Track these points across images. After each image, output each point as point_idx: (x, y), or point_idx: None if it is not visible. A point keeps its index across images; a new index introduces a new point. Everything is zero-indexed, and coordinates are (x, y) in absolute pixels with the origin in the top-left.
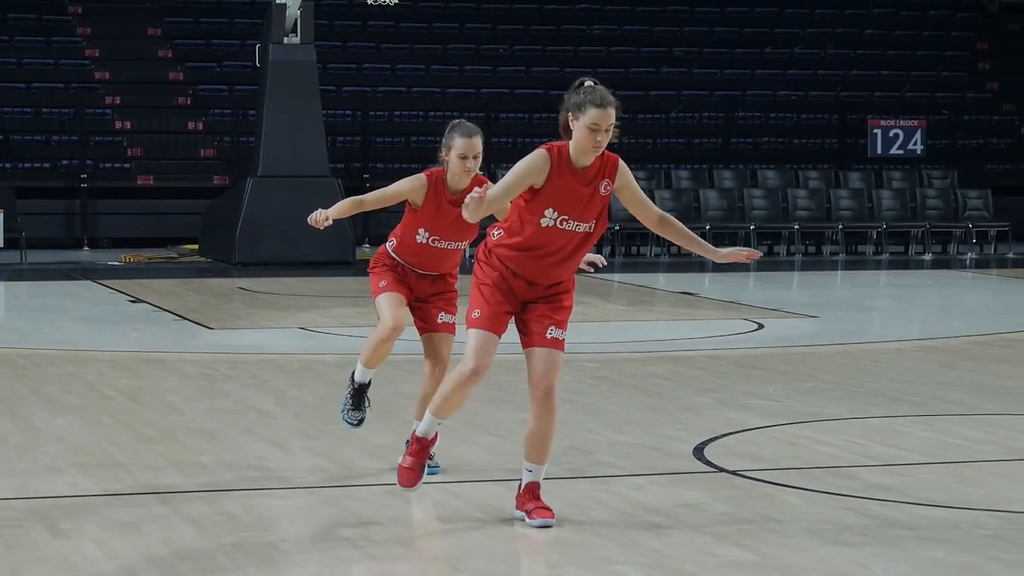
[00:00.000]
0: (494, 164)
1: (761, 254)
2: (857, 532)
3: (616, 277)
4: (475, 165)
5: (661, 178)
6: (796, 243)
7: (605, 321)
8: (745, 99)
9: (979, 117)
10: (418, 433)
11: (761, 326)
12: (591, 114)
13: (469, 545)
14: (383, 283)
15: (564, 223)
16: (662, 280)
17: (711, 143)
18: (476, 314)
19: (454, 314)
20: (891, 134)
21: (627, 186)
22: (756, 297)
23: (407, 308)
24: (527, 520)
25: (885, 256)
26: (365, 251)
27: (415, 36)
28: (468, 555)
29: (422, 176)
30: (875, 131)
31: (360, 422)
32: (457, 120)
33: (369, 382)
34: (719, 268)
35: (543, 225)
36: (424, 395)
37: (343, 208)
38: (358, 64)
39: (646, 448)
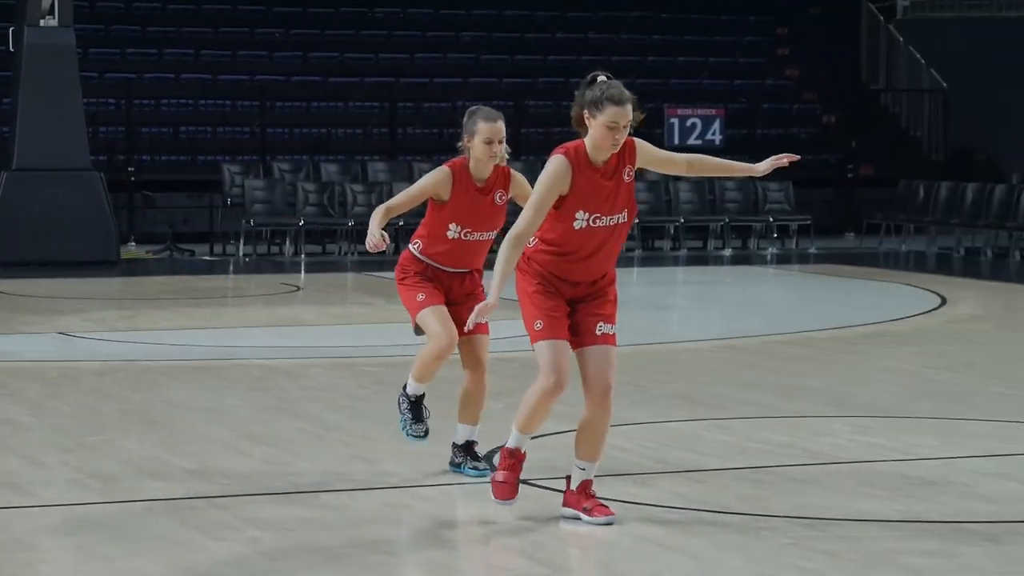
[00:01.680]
0: (268, 156)
1: (798, 157)
2: (653, 542)
3: None
4: (500, 150)
5: None
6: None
7: (388, 323)
8: (536, 86)
9: (779, 105)
10: (509, 446)
11: None
12: (610, 112)
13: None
14: (421, 296)
15: (597, 221)
16: None
17: None
18: (538, 325)
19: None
20: (689, 123)
21: (650, 157)
22: None
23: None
24: (586, 519)
25: (683, 252)
26: (131, 249)
27: (183, 18)
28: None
29: (445, 168)
30: (672, 120)
31: (426, 433)
32: (475, 106)
33: (423, 393)
34: None
35: (576, 228)
36: (466, 397)
37: (378, 220)
38: (121, 48)
39: (434, 457)
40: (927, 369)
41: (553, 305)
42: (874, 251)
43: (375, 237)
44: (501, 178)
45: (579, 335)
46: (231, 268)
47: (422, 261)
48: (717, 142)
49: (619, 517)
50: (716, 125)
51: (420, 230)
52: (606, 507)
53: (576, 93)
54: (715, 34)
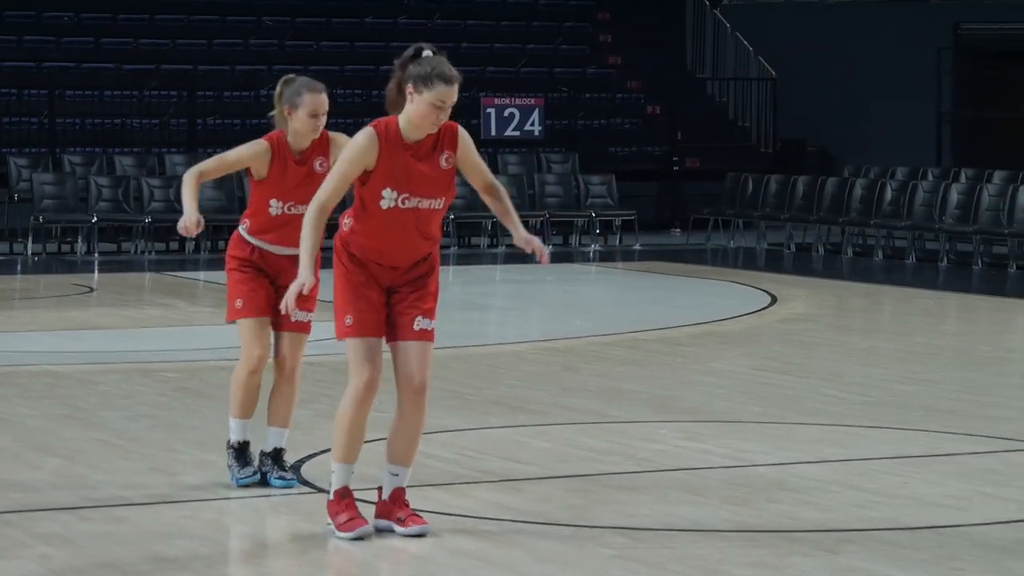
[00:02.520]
0: (58, 148)
1: (548, 259)
2: (470, 555)
3: (201, 276)
4: (322, 123)
5: None
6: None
7: (189, 325)
8: (344, 74)
9: (601, 95)
10: (337, 487)
11: None
12: (439, 91)
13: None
14: (239, 303)
15: (406, 201)
16: None
17: None
18: (348, 320)
19: (311, 311)
20: (506, 113)
21: (467, 154)
22: None
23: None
24: (399, 529)
25: (501, 249)
26: None
27: None
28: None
29: (263, 141)
30: (489, 110)
31: (256, 472)
32: (292, 75)
33: (246, 441)
34: None
35: (384, 207)
36: (273, 396)
37: (191, 190)
38: None
39: None
40: (757, 371)
41: (367, 302)
42: (701, 248)
43: (190, 218)
44: (320, 145)
45: (395, 328)
46: (19, 268)
47: (249, 243)
48: (536, 133)
49: (434, 528)
50: (535, 116)
51: (247, 209)
52: (420, 517)
53: (396, 63)
54: (533, 20)
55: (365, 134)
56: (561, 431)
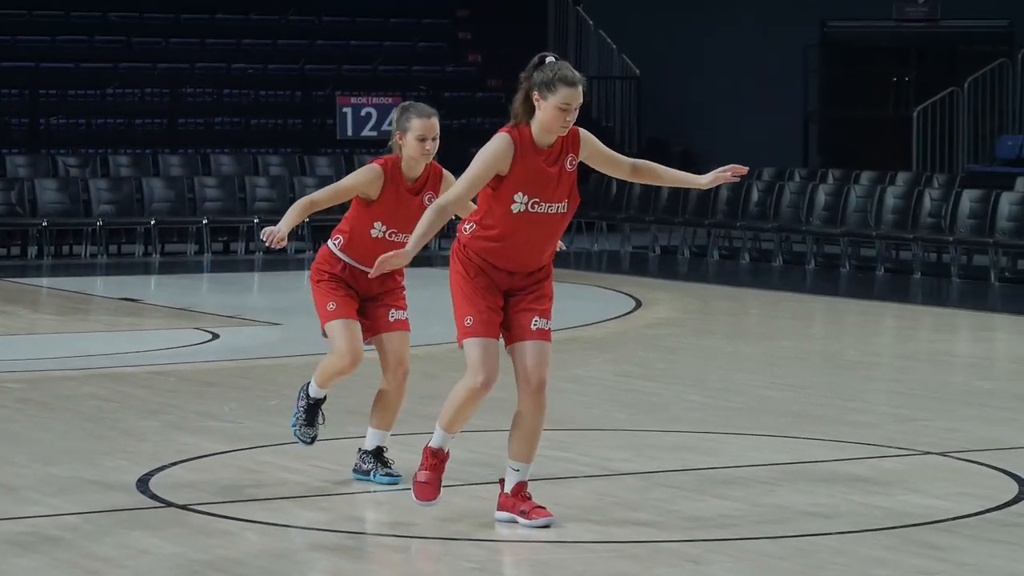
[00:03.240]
0: None
1: (747, 169)
2: (325, 572)
3: (44, 282)
4: (434, 148)
5: (97, 165)
6: (256, 238)
7: (32, 334)
8: (194, 72)
9: (461, 94)
10: (432, 446)
11: (216, 336)
12: (563, 93)
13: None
14: (332, 305)
15: (536, 206)
16: (100, 285)
17: (155, 123)
18: (469, 321)
19: (405, 309)
20: (363, 113)
21: (594, 152)
22: (210, 303)
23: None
24: (524, 522)
25: None
26: None
27: None
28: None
29: (376, 166)
30: (345, 109)
31: (313, 439)
32: (408, 102)
33: (324, 397)
34: (165, 270)
35: (515, 211)
36: (382, 399)
37: (295, 215)
38: None
39: (83, 482)
40: (621, 378)
41: (486, 303)
42: (564, 251)
43: (281, 232)
44: (433, 178)
45: (514, 330)
46: None
47: (340, 259)
48: None
49: (293, 545)
50: (392, 115)
51: (342, 225)
52: (544, 509)
53: (521, 76)
54: (390, 16)
55: (501, 139)
56: (421, 441)
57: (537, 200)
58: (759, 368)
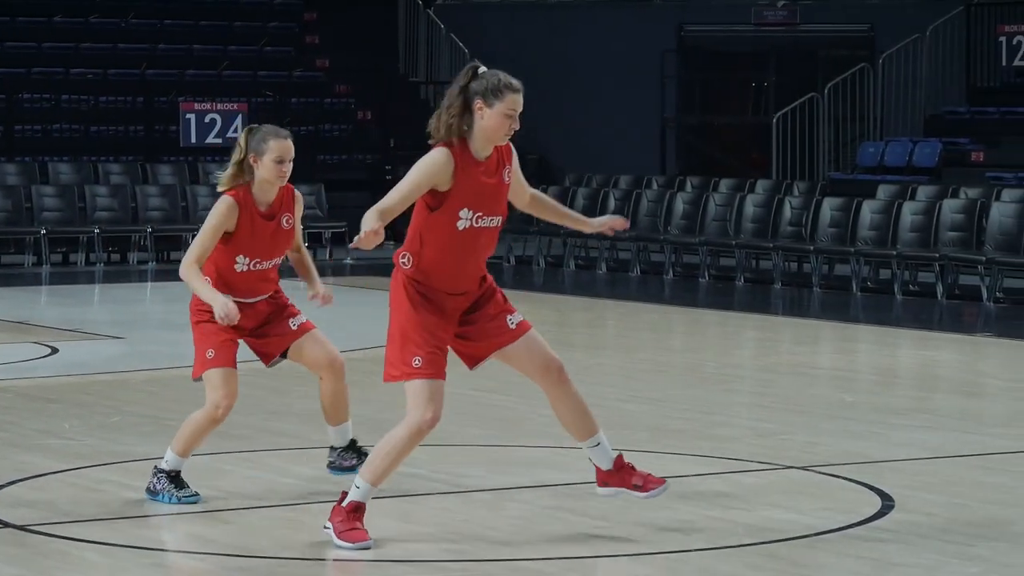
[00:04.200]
0: None
1: (628, 224)
2: None
3: None
4: (289, 170)
5: None
6: (97, 250)
7: None
8: (31, 77)
9: (309, 100)
10: (356, 499)
11: (55, 351)
12: (510, 99)
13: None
14: (211, 353)
15: (480, 220)
16: None
17: None
18: (417, 362)
19: (300, 314)
20: (207, 119)
21: (516, 169)
22: (49, 316)
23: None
24: (639, 495)
25: None
26: None
27: None
28: None
29: (228, 199)
30: (188, 116)
31: (196, 494)
32: (255, 124)
33: (179, 470)
34: (1, 283)
35: (460, 228)
36: (331, 398)
37: (197, 283)
38: None
39: None
40: (475, 392)
41: (438, 344)
42: None
43: (225, 306)
44: (286, 199)
45: (491, 338)
46: None
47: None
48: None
49: (128, 565)
50: (238, 121)
51: (207, 267)
52: (656, 477)
53: (453, 90)
54: (235, 19)
55: (440, 152)
56: (269, 458)
57: (481, 214)
58: (617, 381)
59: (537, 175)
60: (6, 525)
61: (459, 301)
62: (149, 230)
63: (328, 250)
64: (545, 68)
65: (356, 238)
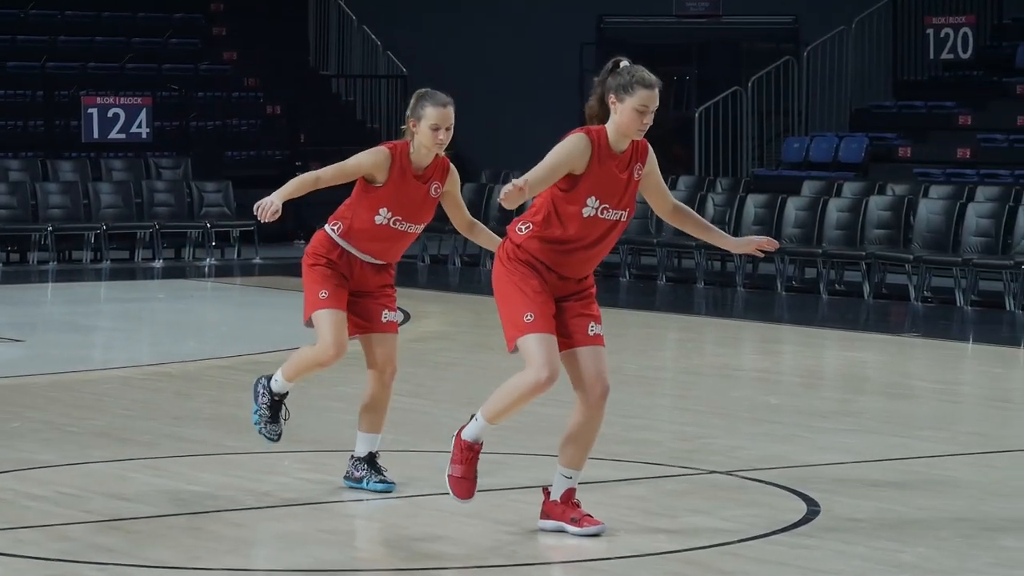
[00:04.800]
0: None
1: (778, 244)
2: None
3: None
4: (447, 138)
5: None
6: (3, 249)
7: None
8: None
9: (215, 93)
10: (468, 438)
11: None
12: (641, 95)
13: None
14: (324, 294)
15: (605, 212)
16: None
17: None
18: (529, 317)
19: (395, 310)
20: (110, 114)
21: (652, 171)
22: None
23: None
24: (573, 530)
25: (106, 264)
26: None
27: None
28: None
29: (384, 149)
30: (91, 110)
31: (279, 436)
32: (426, 89)
33: (287, 392)
34: None
35: (585, 215)
36: (370, 402)
37: (293, 188)
38: None
39: None
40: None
41: (545, 301)
42: None
43: (275, 204)
44: (440, 169)
45: (570, 335)
46: None
47: (338, 246)
48: (144, 136)
49: (30, 574)
50: (143, 116)
51: (343, 211)
52: (594, 517)
53: (595, 80)
54: (139, 10)
55: (578, 138)
56: (174, 464)
57: (607, 206)
58: None
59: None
60: None
61: (556, 282)
62: (50, 228)
63: (236, 249)
64: (461, 61)
65: (504, 191)
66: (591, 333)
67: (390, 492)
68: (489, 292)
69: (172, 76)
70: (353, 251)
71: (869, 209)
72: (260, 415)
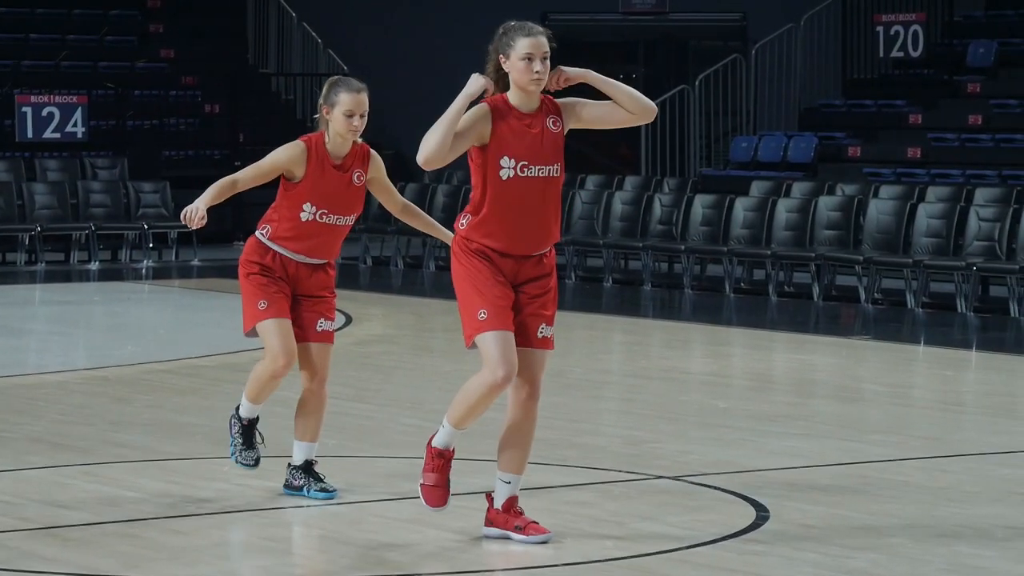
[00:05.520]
0: None
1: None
2: None
3: None
4: (362, 124)
5: None
6: None
7: None
8: None
9: (152, 92)
10: (437, 445)
11: None
12: (521, 43)
13: None
14: (263, 304)
15: (525, 169)
16: None
17: None
18: (483, 315)
19: (333, 319)
20: (45, 113)
21: (587, 116)
22: None
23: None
24: (519, 537)
25: (41, 266)
26: None
27: None
28: None
29: (299, 143)
30: (25, 109)
31: (257, 461)
32: (338, 76)
33: (257, 417)
34: None
35: (504, 178)
36: (303, 408)
37: (215, 193)
38: None
39: None
40: (330, 399)
41: (499, 293)
42: None
43: (200, 210)
44: (360, 157)
45: (520, 335)
46: None
47: (270, 249)
48: (80, 135)
49: None
50: (78, 115)
51: (269, 213)
52: (540, 525)
53: (489, 49)
54: (74, 7)
55: (476, 106)
56: (110, 470)
57: (525, 163)
58: None
59: (396, 171)
60: None
61: (510, 265)
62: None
63: (174, 251)
64: (401, 59)
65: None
66: (540, 336)
67: (332, 499)
68: (431, 295)
69: (108, 74)
70: (285, 252)
71: (818, 210)
72: (235, 445)
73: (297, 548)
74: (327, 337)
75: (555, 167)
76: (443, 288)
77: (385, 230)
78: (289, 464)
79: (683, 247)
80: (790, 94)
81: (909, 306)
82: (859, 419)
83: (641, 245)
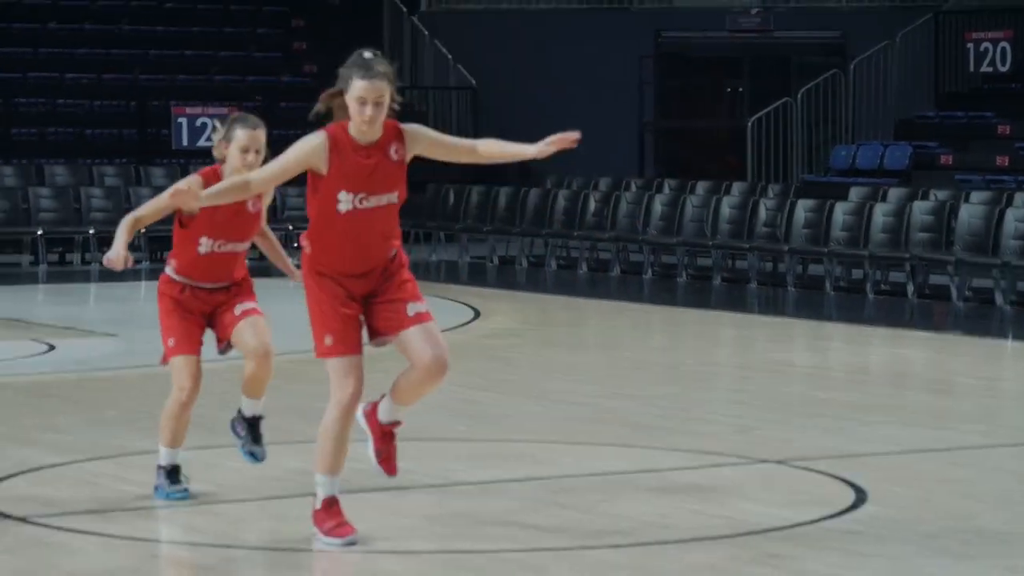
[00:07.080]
0: None
1: (577, 134)
2: None
3: None
4: (257, 161)
5: None
6: (92, 250)
7: None
8: (27, 81)
9: (297, 104)
10: (332, 494)
11: (52, 347)
12: (356, 86)
13: None
14: (171, 341)
15: (363, 202)
16: None
17: None
18: (329, 341)
19: (254, 300)
20: (198, 123)
21: (428, 143)
22: (46, 313)
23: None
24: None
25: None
26: None
27: None
28: None
29: (196, 178)
30: (180, 120)
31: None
32: (238, 113)
33: (179, 465)
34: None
35: (342, 211)
36: (249, 378)
37: (127, 231)
38: None
39: None
40: (461, 388)
41: (344, 319)
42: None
43: (119, 252)
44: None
45: (390, 323)
46: None
47: (178, 282)
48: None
49: (126, 554)
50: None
51: (173, 250)
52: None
53: (339, 71)
54: (225, 25)
55: (315, 135)
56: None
57: (364, 195)
58: (598, 378)
59: (520, 178)
60: (6, 517)
61: (357, 284)
62: (143, 231)
63: None
64: (527, 73)
65: None
66: (411, 314)
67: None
68: (553, 291)
69: (255, 87)
70: (191, 283)
71: (913, 213)
72: (161, 489)
73: (432, 525)
74: (251, 312)
75: (394, 194)
76: (564, 285)
77: (510, 231)
78: (239, 414)
79: (786, 248)
80: (886, 106)
81: (997, 304)
82: (951, 409)
83: (747, 246)
